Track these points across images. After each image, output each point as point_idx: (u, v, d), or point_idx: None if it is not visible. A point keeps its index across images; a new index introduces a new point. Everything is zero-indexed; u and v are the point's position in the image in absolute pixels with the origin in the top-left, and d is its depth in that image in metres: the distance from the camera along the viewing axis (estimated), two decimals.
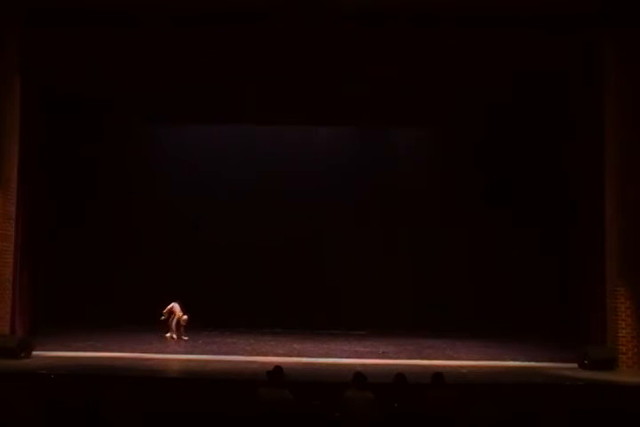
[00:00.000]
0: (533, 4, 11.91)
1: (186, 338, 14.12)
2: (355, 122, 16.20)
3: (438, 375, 7.83)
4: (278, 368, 7.67)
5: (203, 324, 15.18)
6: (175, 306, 14.32)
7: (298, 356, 12.14)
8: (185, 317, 14.25)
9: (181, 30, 12.56)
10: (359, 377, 7.56)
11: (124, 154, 16.52)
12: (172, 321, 14.26)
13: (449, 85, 13.74)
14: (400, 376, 7.80)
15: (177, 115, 15.54)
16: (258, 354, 12.66)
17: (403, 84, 13.73)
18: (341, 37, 12.50)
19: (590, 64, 12.38)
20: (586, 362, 11.44)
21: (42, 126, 13.84)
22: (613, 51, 11.98)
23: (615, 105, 12.00)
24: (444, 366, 10.78)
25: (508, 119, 15.40)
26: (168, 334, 14.18)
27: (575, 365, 11.56)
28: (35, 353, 11.63)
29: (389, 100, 14.33)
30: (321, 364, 11.47)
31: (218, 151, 16.68)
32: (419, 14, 12.16)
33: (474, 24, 12.20)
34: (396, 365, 11.02)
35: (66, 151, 15.45)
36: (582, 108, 13.46)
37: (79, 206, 15.95)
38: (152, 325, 14.88)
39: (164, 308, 14.26)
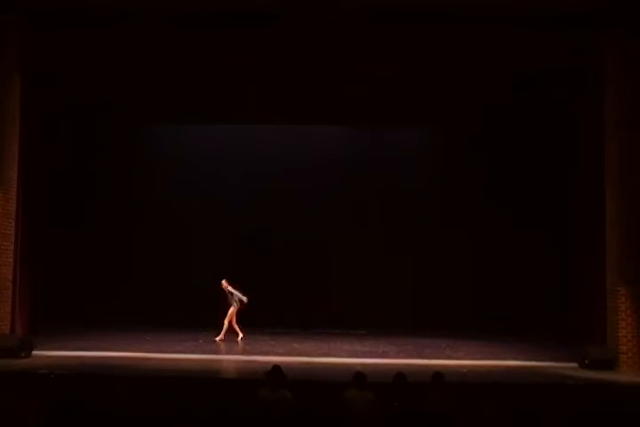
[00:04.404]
0: (534, 4, 11.90)
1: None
2: (354, 122, 16.22)
3: (438, 375, 7.84)
4: (277, 368, 7.67)
5: (202, 324, 15.19)
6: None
7: (298, 355, 12.14)
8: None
9: (181, 31, 12.55)
10: (359, 377, 7.57)
11: (123, 154, 16.54)
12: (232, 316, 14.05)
13: (449, 85, 13.74)
14: (400, 376, 7.80)
15: (177, 115, 15.55)
16: (258, 354, 12.67)
17: (403, 84, 13.72)
18: (341, 37, 12.50)
19: (591, 63, 12.37)
20: (586, 362, 11.43)
21: (42, 126, 13.84)
22: (614, 50, 11.97)
23: (615, 104, 11.99)
24: (444, 366, 10.78)
25: (508, 119, 15.41)
26: (240, 337, 14.02)
27: (575, 364, 11.56)
28: (35, 353, 11.63)
29: (389, 100, 14.32)
30: (321, 363, 11.47)
31: (218, 151, 16.70)
32: (419, 14, 12.15)
33: (474, 24, 12.20)
34: (396, 364, 11.01)
35: (66, 151, 15.46)
36: (582, 107, 13.46)
37: (79, 206, 15.96)
38: (152, 325, 14.95)
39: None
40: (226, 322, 13.99)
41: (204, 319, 15.43)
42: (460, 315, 15.58)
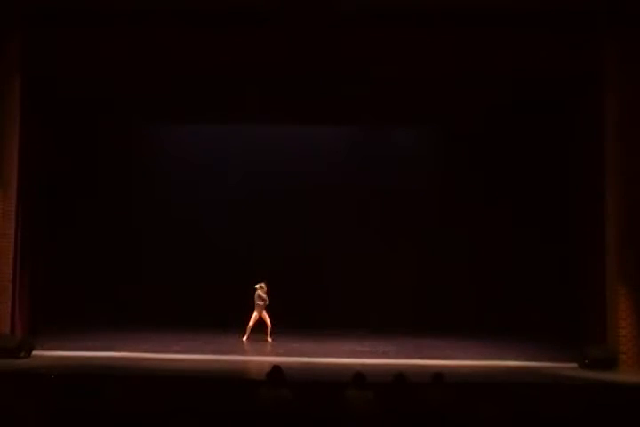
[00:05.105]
0: (534, 4, 11.91)
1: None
2: (355, 122, 16.20)
3: (438, 375, 7.83)
4: (277, 368, 7.67)
5: (202, 323, 15.20)
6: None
7: (298, 355, 12.14)
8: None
9: (182, 30, 12.57)
10: (359, 377, 7.56)
11: (123, 154, 16.52)
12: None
13: (449, 85, 13.72)
14: (400, 376, 7.80)
15: (177, 115, 15.54)
16: (258, 354, 12.69)
17: (403, 84, 13.72)
18: (341, 37, 12.51)
19: (591, 63, 12.37)
20: (586, 362, 11.45)
21: (42, 126, 13.83)
22: (614, 50, 11.98)
23: (616, 104, 12.00)
24: (444, 366, 10.78)
25: (508, 119, 15.39)
26: (245, 338, 14.02)
27: (575, 364, 11.58)
28: (35, 353, 11.65)
29: (389, 100, 14.30)
30: (321, 363, 11.48)
31: (218, 151, 16.70)
32: (419, 14, 12.16)
33: (474, 23, 12.22)
34: (396, 364, 11.02)
35: (66, 151, 15.45)
36: (582, 107, 13.47)
37: (79, 206, 15.95)
38: (152, 324, 14.94)
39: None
40: (268, 322, 14.10)
41: (203, 319, 15.46)
42: (460, 315, 15.58)
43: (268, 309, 14.22)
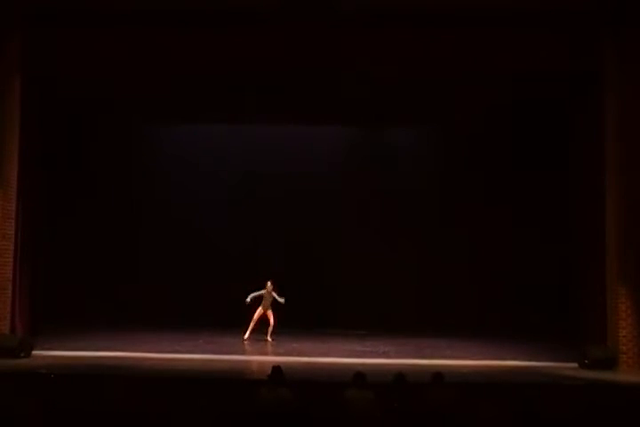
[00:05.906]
0: (534, 4, 11.90)
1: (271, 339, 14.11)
2: (355, 122, 16.22)
3: (438, 375, 7.83)
4: (278, 368, 7.67)
5: (202, 323, 15.19)
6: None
7: (298, 355, 12.14)
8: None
9: (182, 30, 12.56)
10: (359, 377, 7.56)
11: (123, 154, 16.54)
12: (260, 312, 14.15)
13: (449, 85, 13.72)
14: (400, 376, 7.80)
15: (177, 115, 15.55)
16: (258, 354, 12.68)
17: (403, 84, 13.72)
18: (341, 37, 12.51)
19: (591, 63, 12.37)
20: (586, 362, 11.45)
21: (42, 126, 13.83)
22: (614, 50, 11.97)
23: (616, 104, 12.00)
24: (444, 366, 10.78)
25: (508, 119, 15.40)
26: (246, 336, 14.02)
27: (575, 364, 11.57)
28: (35, 353, 11.64)
29: (389, 100, 14.32)
30: (321, 363, 11.47)
31: (218, 151, 16.70)
32: (419, 14, 12.16)
33: (474, 23, 12.21)
34: (396, 364, 11.02)
35: (66, 151, 15.45)
36: (582, 107, 13.47)
37: (79, 206, 15.96)
38: (152, 325, 14.94)
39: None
40: (272, 321, 14.11)
41: (203, 319, 15.46)
42: (460, 315, 15.58)
43: (274, 309, 14.19)
